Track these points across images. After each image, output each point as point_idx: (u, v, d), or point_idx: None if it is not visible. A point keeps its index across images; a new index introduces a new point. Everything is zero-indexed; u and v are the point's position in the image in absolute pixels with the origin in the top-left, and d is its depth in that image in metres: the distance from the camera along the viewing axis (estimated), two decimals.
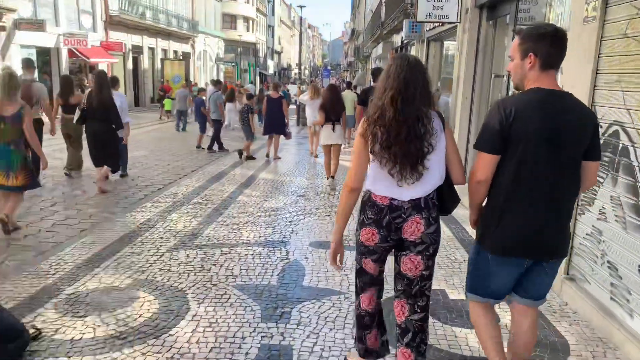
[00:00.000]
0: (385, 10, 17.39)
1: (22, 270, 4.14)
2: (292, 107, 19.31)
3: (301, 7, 28.16)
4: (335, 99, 7.95)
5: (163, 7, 29.08)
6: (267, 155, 10.81)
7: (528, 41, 2.19)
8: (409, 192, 2.33)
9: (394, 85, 2.29)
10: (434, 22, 9.06)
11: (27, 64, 7.59)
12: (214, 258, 4.52)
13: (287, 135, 10.92)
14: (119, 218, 5.83)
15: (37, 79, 8.07)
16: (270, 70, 66.01)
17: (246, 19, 52.21)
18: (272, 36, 69.19)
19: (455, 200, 2.49)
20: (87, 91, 7.25)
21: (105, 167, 7.13)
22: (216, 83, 13.35)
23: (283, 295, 3.74)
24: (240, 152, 10.65)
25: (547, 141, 2.15)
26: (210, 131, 12.19)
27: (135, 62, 26.51)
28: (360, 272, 2.58)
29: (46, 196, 6.85)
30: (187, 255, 4.57)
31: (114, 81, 7.96)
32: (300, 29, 30.09)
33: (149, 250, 4.70)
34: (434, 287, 2.75)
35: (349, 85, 15.68)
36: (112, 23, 23.18)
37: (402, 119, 2.26)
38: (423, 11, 7.82)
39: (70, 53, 19.91)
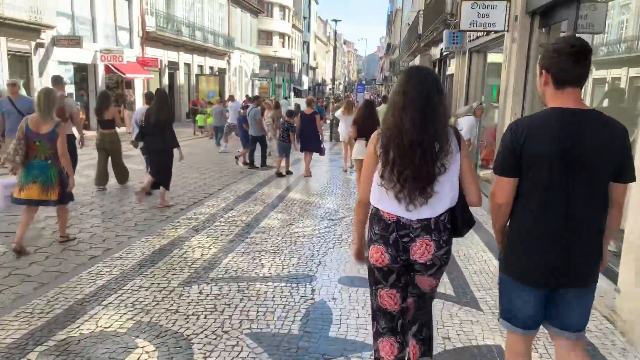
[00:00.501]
0: (424, 22, 16.79)
1: (14, 307, 3.70)
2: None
3: (336, 21, 27.73)
4: (369, 113, 7.72)
5: (200, 24, 29.37)
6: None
7: (543, 57, 2.10)
8: (417, 211, 2.23)
9: (408, 100, 2.17)
10: (478, 31, 8.38)
11: (56, 80, 7.59)
12: (229, 295, 3.97)
13: (322, 152, 10.55)
14: (133, 243, 5.39)
15: (68, 95, 8.13)
16: (305, 86, 66.16)
17: (282, 35, 52.55)
18: (308, 52, 69.51)
19: (469, 222, 2.34)
20: (146, 108, 7.43)
21: (162, 188, 7.21)
22: (254, 99, 12.83)
23: (304, 350, 3.14)
24: (278, 170, 10.35)
25: (562, 162, 2.01)
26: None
27: (172, 77, 26.73)
28: (378, 311, 2.44)
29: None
30: (200, 292, 4.04)
31: (149, 97, 7.99)
32: (335, 44, 29.68)
33: (159, 283, 4.20)
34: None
35: (384, 99, 15.49)
36: (149, 39, 23.42)
37: (418, 139, 2.14)
38: (467, 19, 7.19)
39: (107, 69, 20.12)
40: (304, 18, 65.38)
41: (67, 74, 18.02)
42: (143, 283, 4.20)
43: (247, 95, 35.56)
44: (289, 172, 10.47)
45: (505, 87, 7.01)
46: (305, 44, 67.85)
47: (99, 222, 6.35)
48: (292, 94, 44.44)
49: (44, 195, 4.87)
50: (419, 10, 17.73)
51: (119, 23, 21.43)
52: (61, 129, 4.90)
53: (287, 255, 5.09)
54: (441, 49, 13.64)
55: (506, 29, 7.04)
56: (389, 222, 2.26)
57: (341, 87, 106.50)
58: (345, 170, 11.02)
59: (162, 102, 7.05)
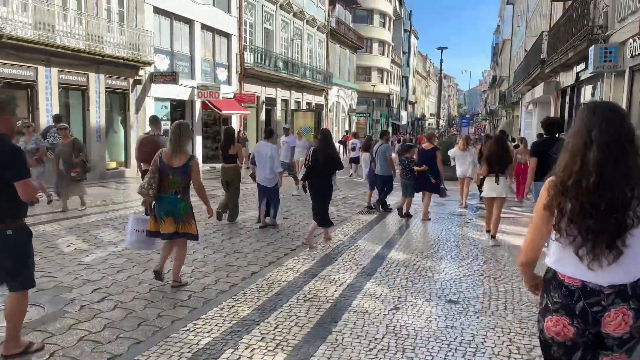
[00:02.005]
0: (549, 44, 14.34)
1: None
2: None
3: (442, 48, 25.83)
4: (502, 150, 7.38)
5: (298, 60, 29.02)
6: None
7: None
8: (607, 275, 1.87)
9: (596, 142, 1.83)
10: None
11: (152, 120, 8.20)
12: None
13: (443, 193, 9.29)
14: (171, 334, 3.86)
15: (163, 133, 8.49)
16: (404, 121, 64.30)
17: (380, 71, 51.53)
18: (407, 87, 67.92)
19: None
20: (311, 149, 7.46)
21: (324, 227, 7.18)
22: (382, 134, 10.73)
23: None
24: (400, 211, 9.42)
25: None
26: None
27: (269, 114, 26.34)
28: None
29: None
30: None
31: (270, 133, 8.53)
32: (441, 73, 27.65)
33: None
34: None
35: (502, 134, 13.40)
36: (247, 76, 23.19)
37: (605, 182, 1.80)
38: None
39: (204, 105, 19.92)
40: (404, 53, 64.14)
41: (164, 111, 17.94)
42: None
43: (346, 131, 34.50)
44: (408, 215, 9.38)
45: None
46: (405, 78, 66.37)
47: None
48: (390, 128, 42.84)
49: (175, 228, 4.83)
50: (542, 32, 15.29)
51: (218, 60, 21.36)
52: (194, 163, 4.83)
53: None
54: (577, 73, 11.18)
55: None
56: (573, 288, 1.91)
57: (441, 122, 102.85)
58: (465, 206, 10.23)
59: (328, 141, 7.15)
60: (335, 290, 4.96)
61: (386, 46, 52.33)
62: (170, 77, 16.66)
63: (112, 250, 6.53)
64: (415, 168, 9.00)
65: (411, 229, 8.49)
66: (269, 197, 8.10)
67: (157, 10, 17.13)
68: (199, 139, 19.74)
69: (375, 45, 50.49)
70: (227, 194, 8.49)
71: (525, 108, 24.75)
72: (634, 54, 7.36)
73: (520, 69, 23.77)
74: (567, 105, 13.06)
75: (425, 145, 9.35)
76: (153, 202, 4.88)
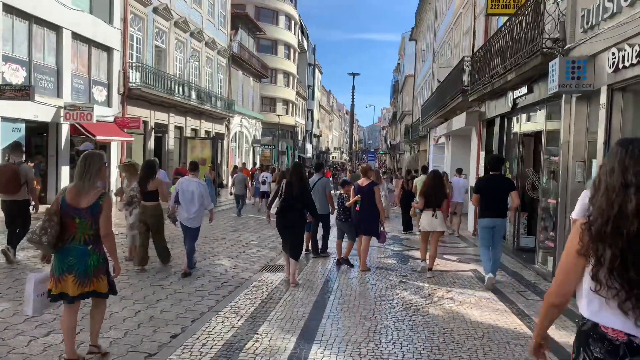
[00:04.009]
0: (471, 71, 13.11)
1: None
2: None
3: (354, 75, 24.56)
4: (439, 184, 7.83)
5: (195, 84, 26.17)
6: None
7: None
8: None
9: (634, 186, 1.69)
10: None
11: (14, 147, 8.06)
12: None
13: (381, 238, 8.12)
14: None
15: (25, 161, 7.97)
16: (309, 154, 63.19)
17: (286, 102, 50.11)
18: (312, 120, 67.29)
19: None
20: (284, 181, 7.24)
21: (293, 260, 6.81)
22: (318, 167, 9.64)
23: None
24: (340, 261, 8.25)
25: None
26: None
27: (159, 142, 23.03)
28: None
29: None
30: None
31: (194, 166, 7.84)
32: (353, 100, 26.36)
33: None
34: None
35: (424, 169, 13.60)
36: (132, 97, 19.90)
37: None
38: None
39: (74, 129, 16.31)
40: (309, 86, 63.60)
41: (16, 134, 14.11)
42: None
43: (261, 164, 31.20)
44: (346, 262, 8.20)
45: None
46: (309, 111, 65.70)
47: None
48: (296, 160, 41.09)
49: (81, 289, 3.82)
50: (463, 58, 14.13)
51: (95, 76, 17.93)
52: (107, 202, 3.90)
53: None
54: (514, 99, 9.76)
55: None
56: (617, 343, 1.73)
57: (344, 155, 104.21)
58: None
59: (302, 174, 7.14)
60: None
61: (291, 78, 51.19)
62: (23, 91, 13.07)
63: None
64: (348, 203, 8.04)
65: (343, 290, 6.15)
66: (189, 239, 7.41)
67: (8, 9, 13.56)
68: (65, 170, 15.99)
69: (281, 76, 49.15)
70: (141, 240, 7.54)
71: (434, 142, 23.98)
72: (618, 66, 5.72)
73: (430, 101, 23.00)
74: (496, 137, 11.69)
75: (361, 181, 8.08)
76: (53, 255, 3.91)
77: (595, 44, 6.27)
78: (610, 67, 5.86)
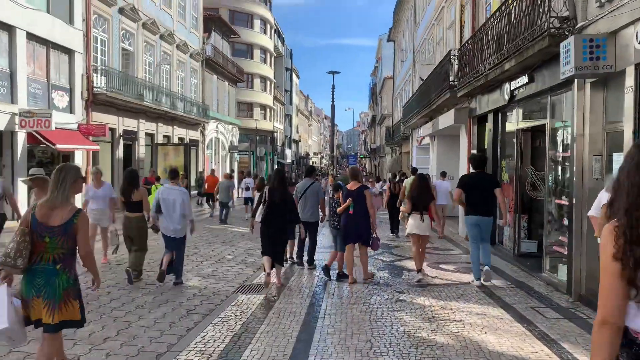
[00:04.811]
0: (459, 65, 12.27)
1: None
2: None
3: (333, 73, 23.68)
4: (425, 187, 7.73)
5: (166, 89, 24.90)
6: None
7: None
8: None
9: None
10: None
11: None
12: None
13: (374, 245, 7.56)
14: None
15: None
16: (288, 159, 62.04)
17: (263, 107, 48.97)
18: (290, 125, 66.22)
19: None
20: (266, 188, 7.31)
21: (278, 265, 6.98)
22: (309, 171, 9.33)
23: None
24: (326, 269, 7.70)
25: None
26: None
27: (128, 149, 21.70)
28: None
29: None
30: None
31: (174, 173, 7.56)
32: (333, 99, 25.44)
33: None
34: None
35: (414, 171, 12.62)
36: (98, 103, 18.58)
37: None
38: None
39: (32, 138, 14.97)
40: (286, 91, 62.57)
41: None
42: None
43: (241, 171, 29.68)
44: (342, 275, 7.65)
45: None
46: (288, 117, 64.64)
47: None
48: (275, 167, 39.79)
49: (49, 316, 3.39)
50: (450, 51, 13.29)
51: (55, 81, 16.59)
52: (82, 220, 3.52)
53: None
54: (512, 91, 8.91)
55: None
56: None
57: (324, 160, 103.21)
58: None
59: (284, 180, 7.30)
60: None
61: (268, 82, 50.10)
62: None
63: None
64: (339, 210, 7.56)
65: (332, 315, 5.11)
66: (177, 250, 7.09)
67: None
68: (22, 183, 14.60)
69: (257, 81, 48.03)
70: (133, 251, 7.32)
71: (418, 143, 23.18)
72: None
73: (412, 101, 22.19)
74: (489, 134, 10.84)
75: (350, 185, 7.58)
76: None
77: (617, 18, 5.40)
78: (639, 44, 4.98)
